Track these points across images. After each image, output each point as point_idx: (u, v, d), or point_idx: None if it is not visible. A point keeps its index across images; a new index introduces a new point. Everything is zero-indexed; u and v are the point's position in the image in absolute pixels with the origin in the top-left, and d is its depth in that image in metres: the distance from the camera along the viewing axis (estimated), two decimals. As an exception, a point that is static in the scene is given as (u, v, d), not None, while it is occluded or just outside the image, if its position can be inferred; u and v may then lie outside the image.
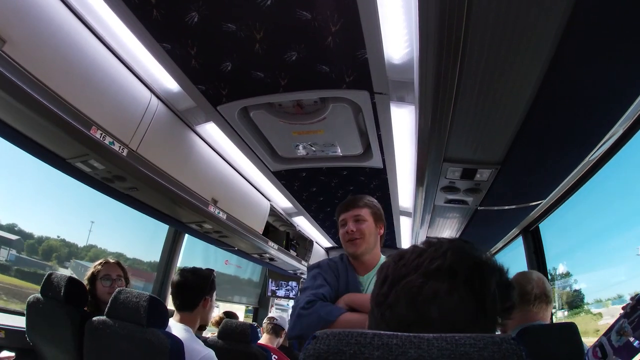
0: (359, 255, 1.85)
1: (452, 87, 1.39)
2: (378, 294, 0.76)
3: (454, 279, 0.70)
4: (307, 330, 1.61)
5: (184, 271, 2.20)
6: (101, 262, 2.47)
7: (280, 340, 3.84)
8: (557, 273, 3.58)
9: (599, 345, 1.59)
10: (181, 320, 2.11)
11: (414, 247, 0.78)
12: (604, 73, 1.39)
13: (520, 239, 3.39)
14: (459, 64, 1.30)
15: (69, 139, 1.84)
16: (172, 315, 2.20)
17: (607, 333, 1.57)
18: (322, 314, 1.62)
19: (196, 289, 2.15)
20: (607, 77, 1.42)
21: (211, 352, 1.97)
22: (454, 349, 0.54)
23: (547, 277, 3.06)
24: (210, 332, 3.30)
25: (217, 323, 3.56)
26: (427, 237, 0.81)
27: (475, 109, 1.52)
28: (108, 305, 1.93)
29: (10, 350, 2.07)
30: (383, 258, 1.91)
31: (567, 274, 3.61)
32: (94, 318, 1.95)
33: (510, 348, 0.54)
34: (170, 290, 3.56)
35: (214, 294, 2.26)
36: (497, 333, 0.65)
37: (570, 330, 1.67)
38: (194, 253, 5.24)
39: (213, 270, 2.27)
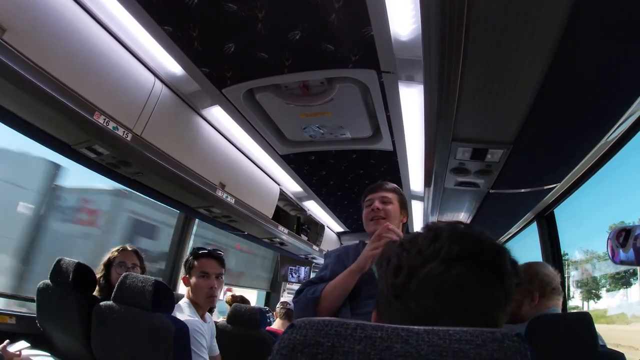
0: None
1: (458, 62, 1.32)
2: (394, 284, 0.71)
3: (477, 262, 0.67)
4: (303, 314, 1.67)
5: None
6: (118, 249, 2.49)
7: (294, 326, 3.84)
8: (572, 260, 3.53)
9: (626, 230, 1.53)
10: None
11: (422, 234, 0.74)
12: (621, 49, 1.31)
13: (533, 225, 3.30)
14: (464, 37, 1.24)
15: (73, 125, 1.83)
16: (178, 300, 2.21)
17: None
18: (308, 295, 1.70)
19: None
20: (624, 53, 1.34)
21: None
22: (446, 345, 0.49)
23: (562, 265, 3.01)
24: (222, 317, 3.30)
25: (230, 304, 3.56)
26: (429, 223, 0.77)
27: (484, 85, 1.45)
28: (114, 290, 1.93)
29: (24, 339, 2.09)
30: None
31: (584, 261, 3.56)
32: (101, 303, 1.96)
33: (513, 346, 0.48)
34: (181, 275, 3.62)
35: None
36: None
37: (584, 320, 1.63)
38: (205, 237, 5.28)
39: None
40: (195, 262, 2.24)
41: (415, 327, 0.52)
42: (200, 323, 2.10)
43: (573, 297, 3.64)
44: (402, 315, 0.69)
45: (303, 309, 1.68)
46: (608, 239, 1.61)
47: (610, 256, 1.61)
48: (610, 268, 3.53)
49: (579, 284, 3.68)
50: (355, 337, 0.52)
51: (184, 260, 3.68)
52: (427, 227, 0.75)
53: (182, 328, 1.78)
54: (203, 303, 2.22)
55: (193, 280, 2.21)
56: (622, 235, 1.53)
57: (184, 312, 2.12)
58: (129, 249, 2.52)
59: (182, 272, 3.67)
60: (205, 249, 2.30)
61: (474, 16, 1.16)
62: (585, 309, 3.66)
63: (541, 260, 3.00)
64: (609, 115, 1.70)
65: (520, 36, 1.24)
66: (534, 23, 1.19)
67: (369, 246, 1.69)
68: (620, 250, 1.54)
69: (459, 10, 1.13)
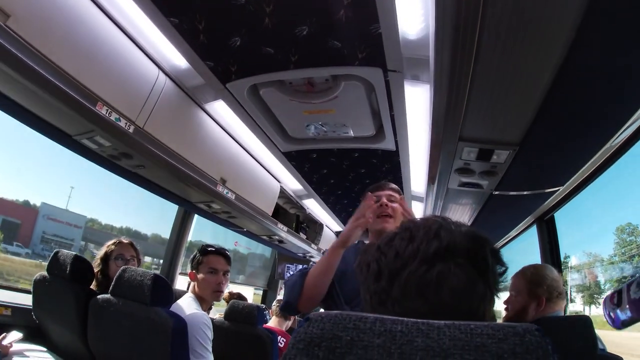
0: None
1: (470, 62, 1.31)
2: (376, 291, 0.70)
3: (456, 258, 0.66)
4: (290, 293, 1.70)
5: None
6: (115, 242, 2.46)
7: (289, 323, 3.83)
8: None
9: (618, 291, 1.56)
10: None
11: (398, 234, 0.73)
12: (629, 52, 1.31)
13: (532, 229, 3.27)
14: (477, 38, 1.23)
15: (74, 114, 1.81)
16: (178, 296, 2.20)
17: (630, 283, 1.53)
18: (297, 274, 1.73)
19: None
20: (632, 57, 1.33)
21: None
22: (468, 339, 0.47)
23: (561, 269, 3.00)
24: (219, 314, 3.28)
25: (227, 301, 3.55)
26: (404, 222, 0.76)
27: (493, 85, 1.44)
28: (113, 283, 1.92)
29: (19, 330, 2.07)
30: None
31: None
32: (99, 296, 1.94)
33: (535, 340, 0.47)
34: (179, 270, 3.59)
35: None
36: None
37: (584, 324, 1.63)
38: (203, 233, 5.25)
39: None
40: (204, 259, 2.26)
41: (436, 321, 0.51)
42: (208, 316, 2.11)
43: (574, 300, 3.63)
44: None
45: (291, 286, 1.70)
46: (604, 307, 1.63)
47: (610, 323, 1.62)
48: (615, 272, 3.54)
49: (579, 288, 3.68)
50: (375, 331, 0.51)
51: (181, 255, 3.70)
52: (403, 226, 0.75)
53: (180, 322, 1.77)
54: (209, 298, 2.25)
55: (201, 275, 2.23)
56: (616, 296, 1.55)
57: (190, 306, 2.11)
58: (125, 242, 2.50)
59: (179, 268, 3.67)
60: (213, 247, 2.32)
61: (488, 16, 1.15)
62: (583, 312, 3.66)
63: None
64: (615, 119, 1.70)
65: (531, 38, 1.24)
66: (547, 25, 1.19)
67: (352, 219, 1.70)
68: (618, 311, 1.55)
69: (474, 10, 1.12)
